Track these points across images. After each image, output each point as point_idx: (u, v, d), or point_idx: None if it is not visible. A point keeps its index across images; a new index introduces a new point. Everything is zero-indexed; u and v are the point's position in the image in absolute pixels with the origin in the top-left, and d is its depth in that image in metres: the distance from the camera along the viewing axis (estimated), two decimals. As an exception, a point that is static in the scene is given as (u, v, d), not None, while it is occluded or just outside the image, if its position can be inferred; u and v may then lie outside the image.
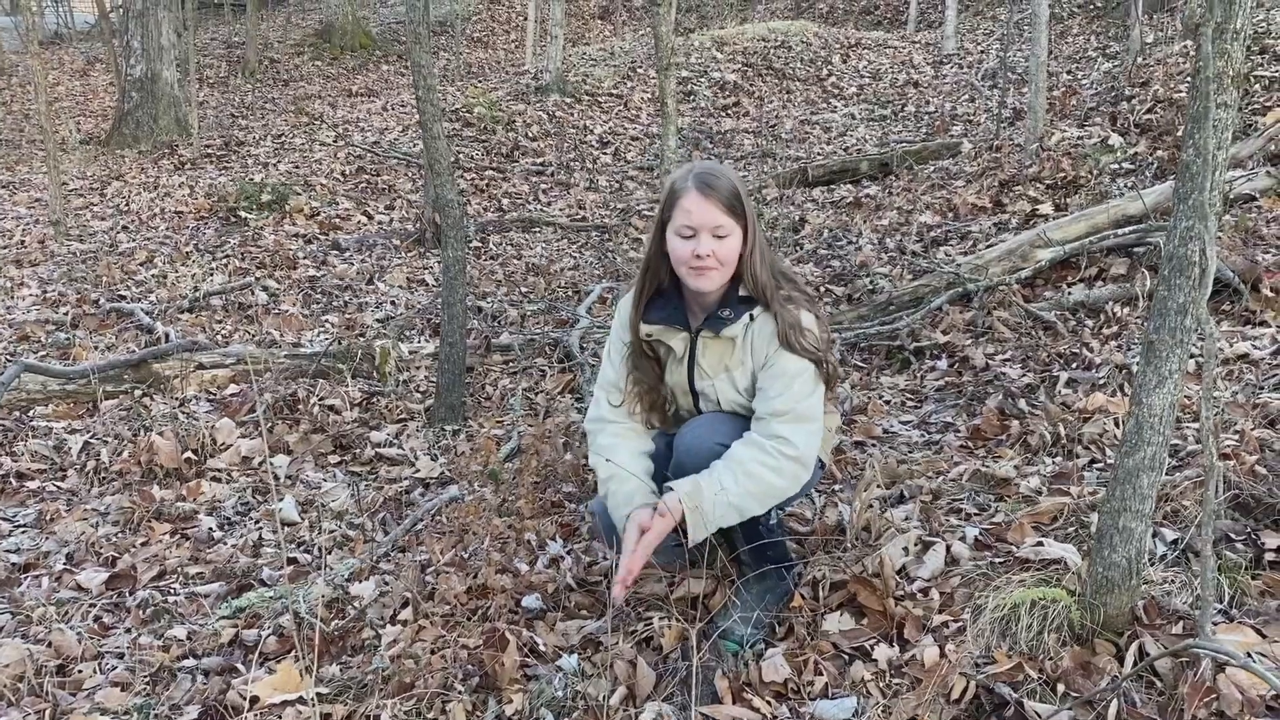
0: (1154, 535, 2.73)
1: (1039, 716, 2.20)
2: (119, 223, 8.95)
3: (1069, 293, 4.97)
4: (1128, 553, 2.33)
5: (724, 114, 12.65)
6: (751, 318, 2.47)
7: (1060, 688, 2.28)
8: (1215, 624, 2.30)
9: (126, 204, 9.62)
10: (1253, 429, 3.17)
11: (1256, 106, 6.73)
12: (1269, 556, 2.59)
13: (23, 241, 8.41)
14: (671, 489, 2.42)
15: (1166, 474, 3.00)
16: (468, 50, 19.07)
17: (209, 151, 11.59)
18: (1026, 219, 6.37)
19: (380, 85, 16.74)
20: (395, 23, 21.73)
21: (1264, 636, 2.31)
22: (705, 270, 2.41)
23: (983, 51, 14.16)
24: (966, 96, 12.02)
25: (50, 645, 3.06)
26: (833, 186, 9.36)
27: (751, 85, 13.63)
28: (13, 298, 6.92)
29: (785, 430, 2.43)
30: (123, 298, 6.80)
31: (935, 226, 6.87)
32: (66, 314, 6.49)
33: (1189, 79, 2.11)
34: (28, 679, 2.90)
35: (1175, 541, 2.69)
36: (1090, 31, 13.16)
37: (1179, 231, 2.20)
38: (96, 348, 5.84)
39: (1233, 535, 2.68)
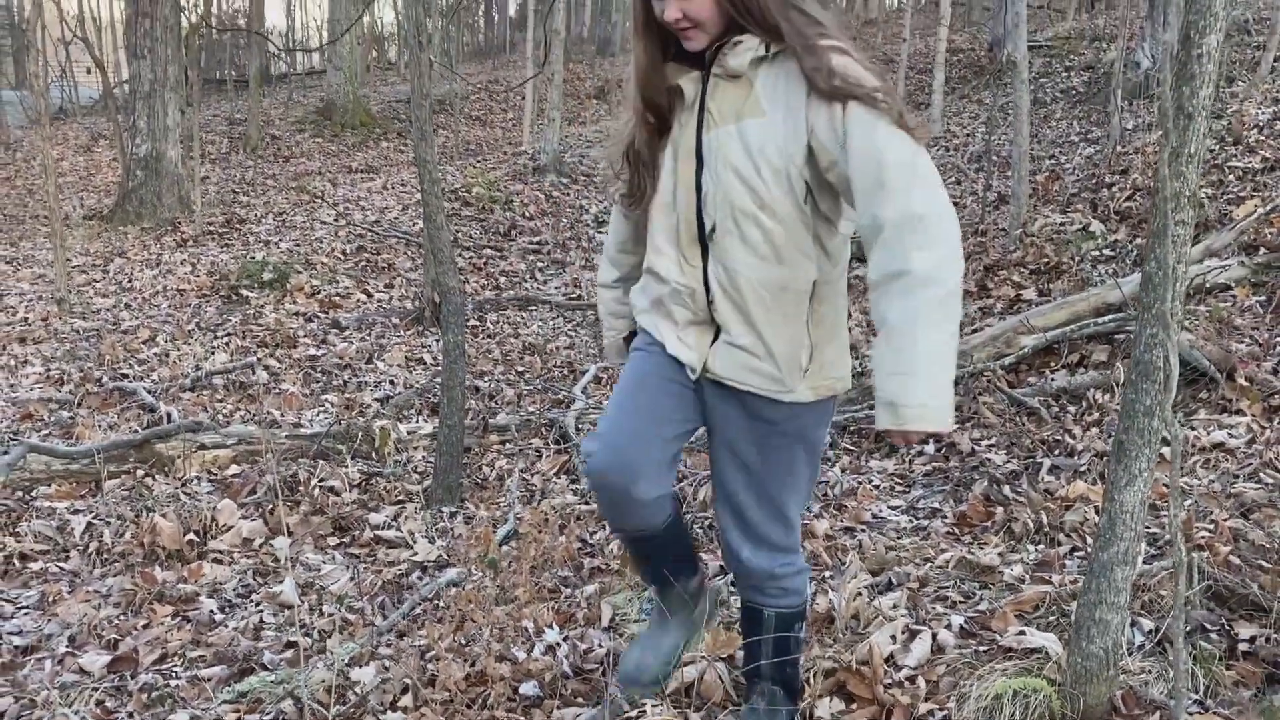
0: (1132, 625, 2.83)
1: (1022, 806, 2.27)
2: (122, 300, 9.10)
3: (1051, 379, 5.12)
4: (1105, 644, 2.43)
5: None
6: (767, 52, 1.94)
7: (1042, 777, 2.36)
8: (1190, 713, 2.39)
9: (129, 281, 9.78)
10: (1227, 519, 3.28)
11: (1231, 196, 6.97)
12: (1243, 646, 2.69)
13: (26, 319, 8.53)
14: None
15: (1144, 563, 3.12)
16: (466, 128, 19.49)
17: (211, 229, 11.80)
18: (1011, 303, 6.55)
19: (380, 162, 17.07)
20: (395, 101, 22.21)
21: (1238, 727, 2.40)
22: (685, 33, 1.97)
23: (969, 134, 14.53)
24: (953, 179, 12.32)
25: (54, 730, 3.11)
26: (823, 267, 9.54)
27: (743, 166, 13.94)
28: (16, 376, 7.02)
29: (920, 202, 1.85)
30: (125, 376, 6.91)
31: (923, 310, 7.03)
32: (69, 392, 6.60)
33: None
34: (32, 764, 2.95)
35: (1152, 631, 2.78)
36: (1073, 116, 13.54)
37: (1144, 338, 2.34)
38: (99, 427, 5.93)
39: (1207, 625, 2.78)
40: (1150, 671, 2.60)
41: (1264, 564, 2.99)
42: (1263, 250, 5.74)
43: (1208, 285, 5.49)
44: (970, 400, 5.05)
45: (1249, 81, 10.37)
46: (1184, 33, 2.22)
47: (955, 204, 10.00)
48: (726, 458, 2.23)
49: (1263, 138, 7.94)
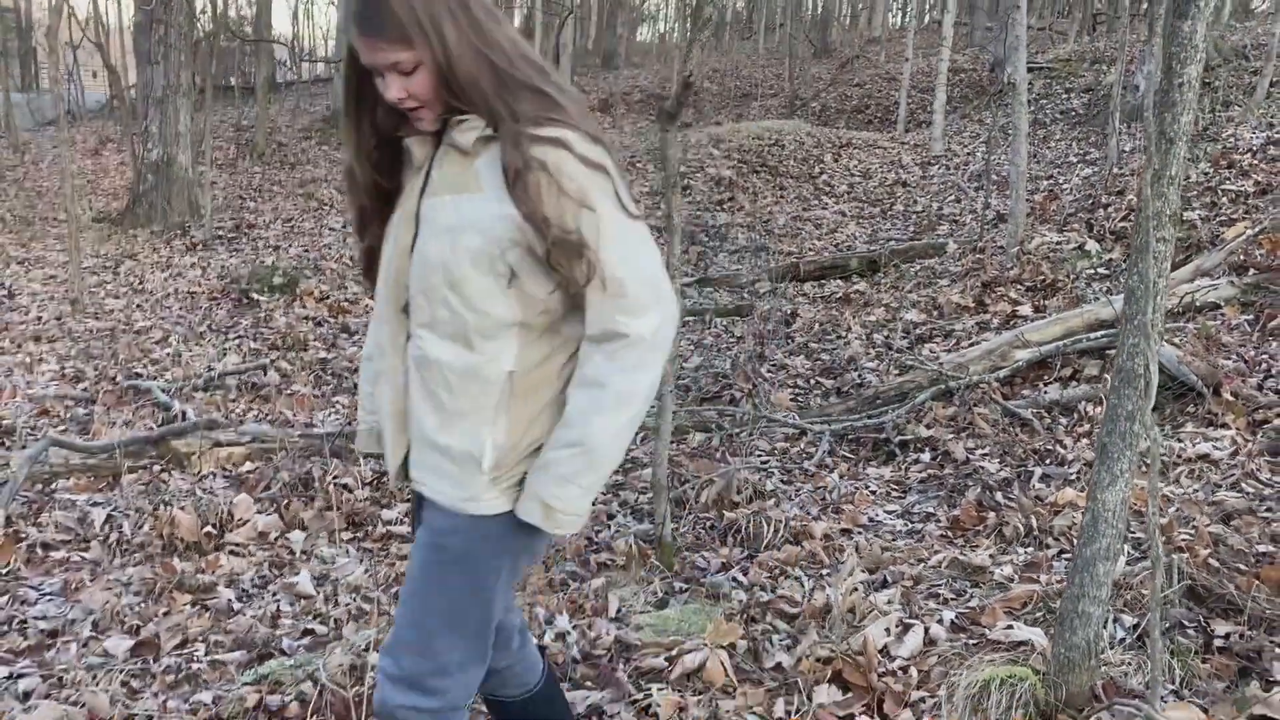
0: (1115, 621, 2.98)
1: (1006, 784, 2.42)
2: (134, 301, 9.26)
3: (1045, 392, 5.28)
4: (1086, 635, 2.58)
5: (719, 208, 13.12)
6: (496, 130, 1.76)
7: (1026, 759, 2.50)
8: (1165, 701, 2.53)
9: (140, 283, 9.94)
10: (1208, 525, 3.44)
11: (1224, 219, 7.14)
12: (1218, 642, 2.84)
13: (40, 318, 8.69)
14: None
15: (1128, 564, 3.27)
16: (471, 139, 19.68)
17: (220, 233, 11.97)
18: (1007, 319, 6.72)
19: (386, 171, 17.25)
20: (401, 111, 22.40)
21: (1208, 715, 2.54)
22: (413, 113, 1.81)
23: (969, 154, 14.74)
24: (953, 197, 12.52)
25: (83, 706, 3.24)
26: (823, 282, 9.73)
27: (746, 181, 14.14)
28: (32, 373, 7.17)
29: (624, 322, 1.75)
30: (139, 375, 7.06)
31: (920, 324, 7.20)
32: (85, 390, 6.74)
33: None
34: (64, 738, 3.09)
35: (1133, 626, 2.94)
36: (1071, 138, 13.75)
37: (1126, 348, 2.50)
38: (115, 424, 6.08)
39: (1185, 622, 2.93)
40: (1130, 663, 2.75)
41: (1241, 566, 3.14)
42: (1252, 271, 5.91)
43: (1197, 304, 5.66)
44: (966, 411, 5.20)
45: (1245, 106, 10.58)
46: (1166, 63, 2.39)
47: (954, 222, 10.21)
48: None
49: (1255, 162, 8.13)
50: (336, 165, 17.88)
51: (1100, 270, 7.10)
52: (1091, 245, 7.58)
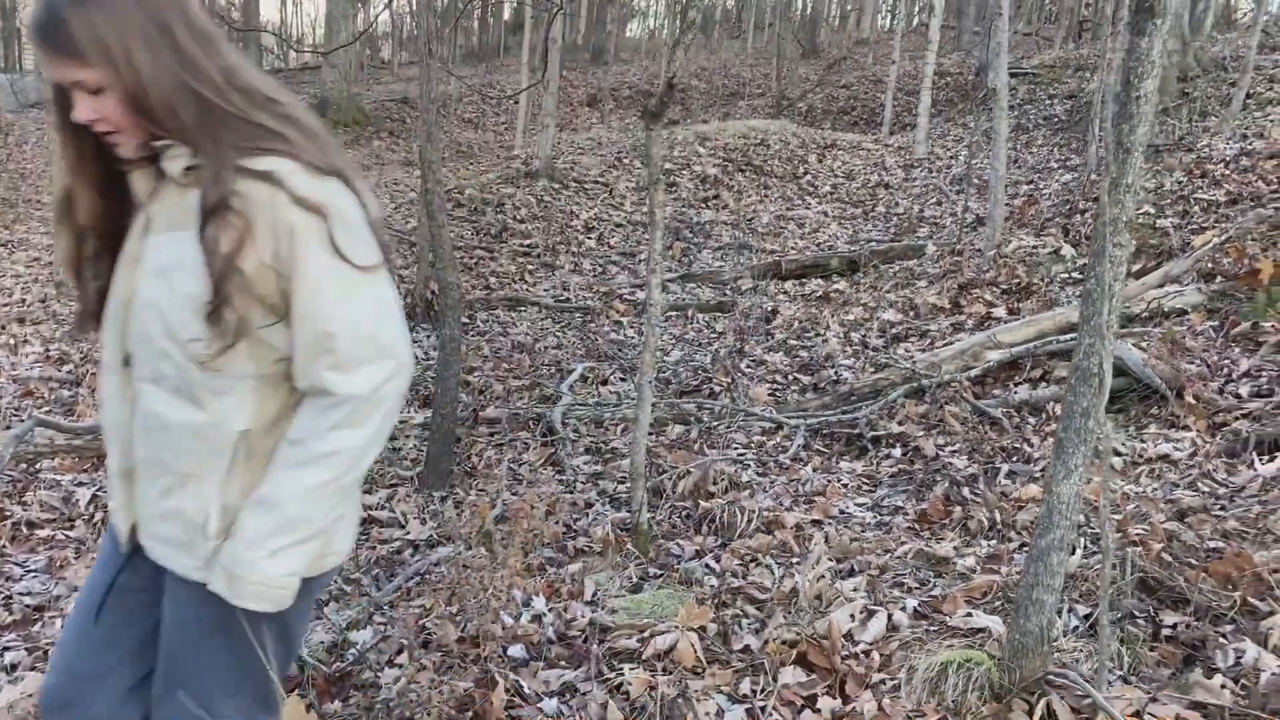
0: (1069, 610, 3.11)
1: (959, 761, 2.54)
2: (118, 285, 9.28)
3: (1015, 392, 5.41)
4: (1040, 621, 2.71)
5: (704, 205, 13.23)
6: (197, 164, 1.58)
7: (979, 738, 2.63)
8: (1112, 685, 2.66)
9: (125, 267, 9.95)
10: (1163, 521, 3.57)
11: (1195, 227, 7.30)
12: (1166, 632, 2.97)
13: (24, 300, 8.71)
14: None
15: (1084, 557, 3.40)
16: (459, 130, 19.74)
17: (206, 219, 11.97)
18: (981, 320, 6.85)
19: (372, 161, 17.28)
20: (389, 100, 22.43)
21: (1155, 700, 2.67)
22: (107, 138, 1.61)
23: (952, 157, 14.90)
24: (934, 200, 12.67)
25: (69, 679, 3.32)
26: (804, 280, 9.86)
27: (731, 180, 14.26)
28: (16, 354, 7.21)
29: (331, 379, 1.60)
30: (124, 358, 7.11)
31: (897, 323, 7.34)
32: (70, 372, 6.79)
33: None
34: (50, 708, 3.17)
35: (1087, 616, 3.06)
36: (1053, 144, 13.92)
37: (1083, 347, 2.62)
38: (99, 406, 6.13)
39: (1136, 613, 3.06)
40: (1081, 650, 2.88)
41: (1192, 561, 3.27)
42: (1219, 279, 6.06)
43: (1165, 309, 5.80)
44: (937, 409, 5.33)
45: (1220, 117, 10.76)
46: (1125, 76, 2.51)
47: (934, 224, 10.34)
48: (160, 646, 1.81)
49: (1228, 172, 8.29)
50: (323, 154, 17.87)
51: (1075, 274, 7.24)
52: (1067, 250, 7.73)
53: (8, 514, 4.67)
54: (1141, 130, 2.50)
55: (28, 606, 3.93)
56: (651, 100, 3.39)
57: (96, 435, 5.35)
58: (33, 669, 3.42)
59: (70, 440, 5.40)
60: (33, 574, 4.27)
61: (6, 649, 3.59)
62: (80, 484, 5.04)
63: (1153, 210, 7.76)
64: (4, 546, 4.47)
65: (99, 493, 4.90)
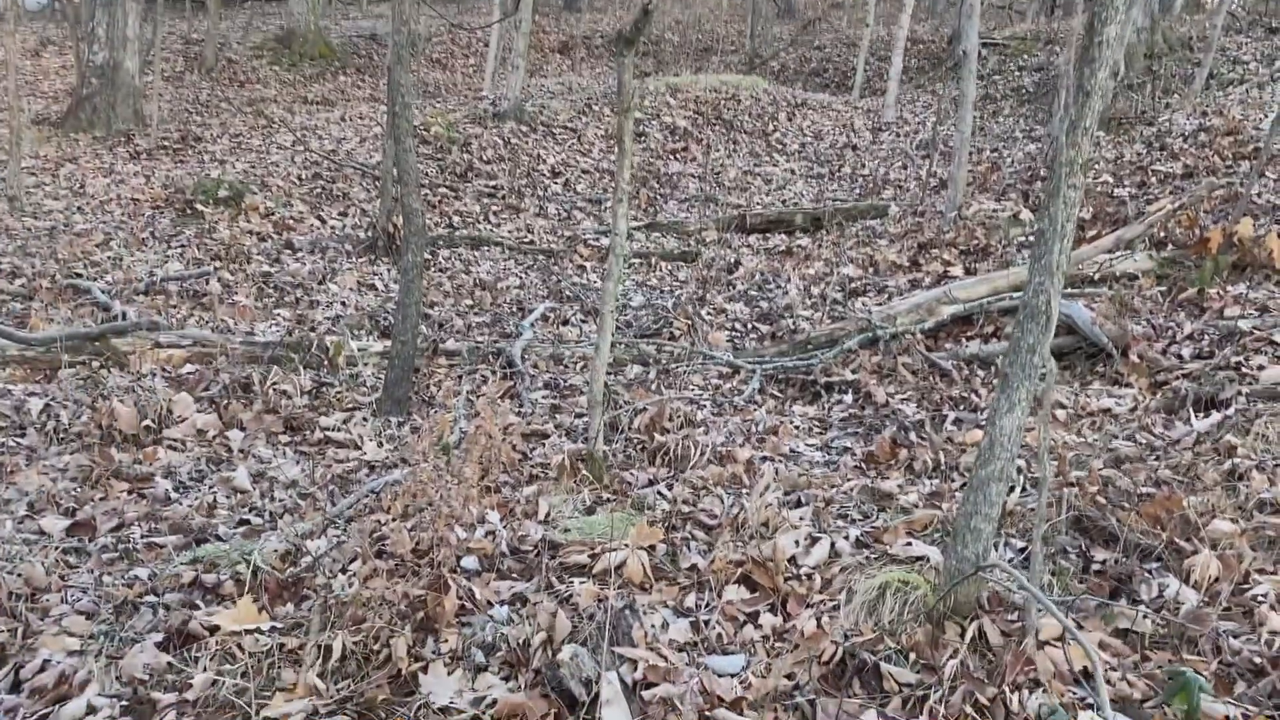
0: (1005, 544, 3.23)
1: (892, 676, 2.65)
2: (74, 204, 9.12)
3: (966, 346, 5.53)
4: (977, 549, 2.81)
5: (672, 157, 13.21)
6: None
7: (912, 656, 2.73)
8: (1041, 612, 2.77)
9: (81, 186, 9.77)
10: (1100, 468, 3.70)
11: (1151, 197, 7.45)
12: (1095, 567, 3.10)
13: (-25, 213, 8.53)
14: None
15: (1021, 496, 3.52)
16: (426, 69, 19.44)
17: (166, 144, 11.76)
18: (939, 279, 6.96)
19: (337, 95, 17.00)
20: (356, 36, 21.99)
21: (1081, 627, 2.79)
22: None
23: (920, 122, 14.97)
24: (900, 163, 12.75)
25: (19, 575, 3.33)
26: (768, 235, 9.92)
27: (700, 133, 14.23)
28: (-33, 267, 7.08)
29: None
30: (79, 275, 7.02)
31: (856, 279, 7.43)
32: (22, 286, 6.69)
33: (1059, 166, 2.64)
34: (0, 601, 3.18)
35: (1021, 550, 3.18)
36: (1019, 114, 14.04)
37: (1033, 285, 2.70)
38: (53, 320, 6.06)
39: (1068, 548, 3.19)
40: (1009, 580, 2.99)
41: (1125, 504, 3.40)
42: (1170, 246, 6.21)
43: (1116, 273, 5.94)
44: (890, 359, 5.44)
45: (1183, 94, 10.92)
46: (1089, 22, 2.57)
47: (899, 186, 10.43)
48: None
49: (1186, 146, 8.45)
50: (287, 85, 17.56)
51: (1032, 238, 7.37)
52: (1026, 214, 7.85)
53: (-43, 419, 4.63)
54: (1101, 74, 2.57)
55: (-23, 508, 3.92)
56: (626, 25, 3.40)
57: (50, 347, 5.30)
58: (-18, 567, 3.43)
59: (23, 351, 5.34)
60: (-17, 478, 4.25)
61: (-45, 547, 3.58)
62: (32, 394, 4.99)
63: (1111, 179, 7.89)
64: (-47, 450, 4.44)
65: (51, 403, 4.87)
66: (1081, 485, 3.51)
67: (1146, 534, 3.20)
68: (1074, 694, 2.53)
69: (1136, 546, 3.15)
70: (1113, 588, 3.00)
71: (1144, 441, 4.09)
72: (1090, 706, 2.47)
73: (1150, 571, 3.04)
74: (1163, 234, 6.40)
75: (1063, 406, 4.57)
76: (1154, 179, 7.80)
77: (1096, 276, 5.97)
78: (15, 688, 2.88)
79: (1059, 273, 2.66)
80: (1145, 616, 2.80)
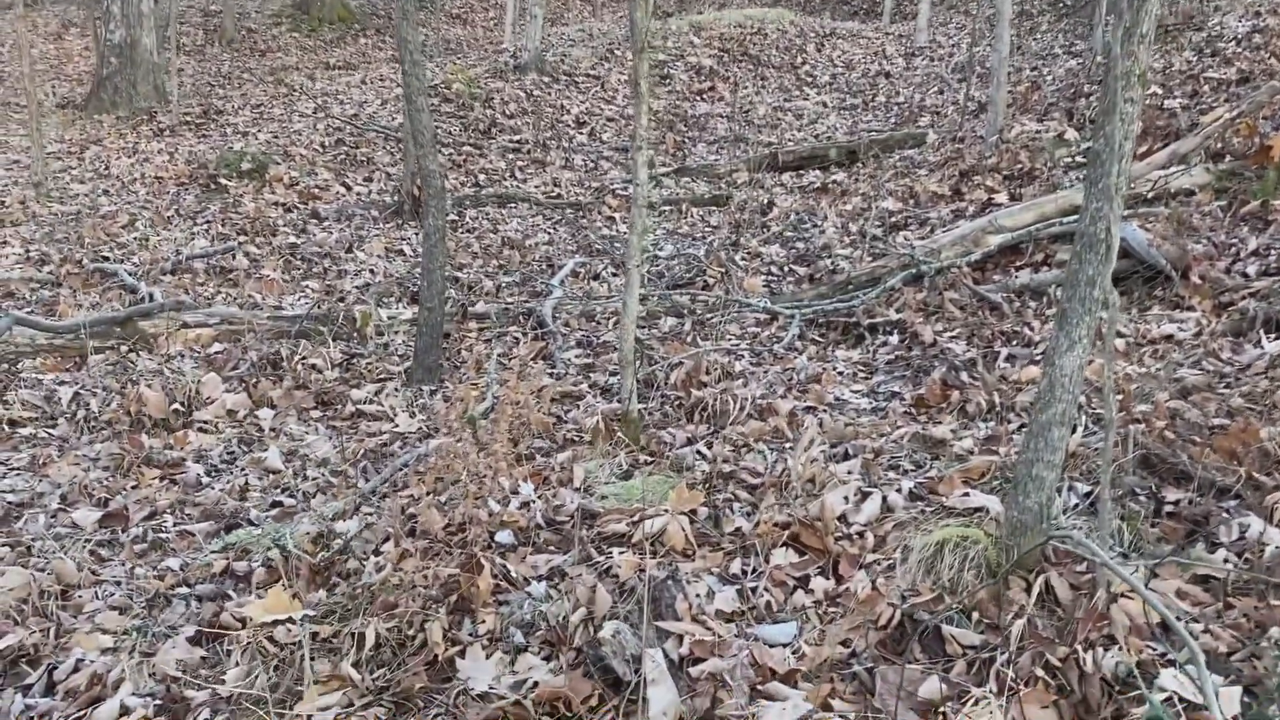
0: (1069, 489, 3.03)
1: (954, 638, 2.49)
2: (99, 186, 9.07)
3: (1016, 276, 5.27)
4: (1039, 498, 2.62)
5: (699, 98, 12.87)
6: None
7: (975, 616, 2.56)
8: (1112, 559, 2.58)
9: (106, 168, 9.72)
10: (1166, 399, 3.47)
11: (1204, 106, 7.06)
12: (1168, 508, 2.90)
13: (3, 202, 8.50)
14: None
15: (1084, 436, 3.31)
16: (446, 26, 19.15)
17: (188, 119, 11.67)
18: (983, 207, 6.67)
19: (358, 59, 16.80)
20: (374, -3, 21.70)
21: (1156, 575, 2.61)
22: None
23: (954, 45, 14.46)
24: (935, 89, 12.32)
25: (51, 573, 3.27)
26: (802, 172, 9.62)
27: (727, 71, 13.86)
28: (-4, 256, 7.05)
29: None
30: (106, 259, 6.96)
31: (896, 212, 7.16)
32: (50, 273, 6.64)
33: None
34: (31, 601, 3.12)
35: (1086, 494, 2.98)
36: (1058, 29, 13.48)
37: (1089, 212, 2.48)
38: (81, 306, 6.00)
39: (1137, 490, 2.98)
40: (1081, 528, 2.80)
41: (1196, 439, 3.18)
42: (1228, 158, 5.87)
43: (1172, 189, 5.63)
44: (936, 295, 5.20)
45: (1233, -5, 10.36)
46: (1142, -85, 2.31)
47: (935, 113, 10.07)
48: None
49: (1240, 50, 8.00)
50: (308, 51, 17.39)
51: (1079, 159, 7.03)
52: (1071, 134, 7.50)
53: (-12, 413, 4.58)
54: (1158, -27, 2.32)
55: (10, 504, 3.86)
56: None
57: (78, 334, 5.24)
58: (15, 564, 3.37)
59: (52, 339, 5.29)
60: (15, 472, 4.20)
61: (-12, 545, 3.53)
62: (62, 382, 4.94)
63: (1160, 90, 7.50)
64: (-15, 445, 4.40)
65: (81, 391, 4.81)
66: (1148, 420, 3.29)
67: (1222, 470, 2.98)
68: (1153, 649, 2.35)
69: (1212, 484, 2.94)
70: (1188, 530, 2.80)
71: (1212, 369, 3.84)
72: (1172, 663, 2.29)
73: (1229, 511, 2.83)
74: (1219, 145, 6.05)
75: (1121, 335, 4.33)
76: (1206, 87, 7.40)
77: (1150, 195, 5.66)
78: (49, 690, 2.81)
79: (1118, 196, 2.43)
80: (1226, 561, 2.60)
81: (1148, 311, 4.62)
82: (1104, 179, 2.43)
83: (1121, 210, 2.49)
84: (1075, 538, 2.32)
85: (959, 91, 11.42)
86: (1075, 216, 5.42)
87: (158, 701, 2.68)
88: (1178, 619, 2.32)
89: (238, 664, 2.75)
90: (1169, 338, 4.25)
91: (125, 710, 2.65)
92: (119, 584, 3.28)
